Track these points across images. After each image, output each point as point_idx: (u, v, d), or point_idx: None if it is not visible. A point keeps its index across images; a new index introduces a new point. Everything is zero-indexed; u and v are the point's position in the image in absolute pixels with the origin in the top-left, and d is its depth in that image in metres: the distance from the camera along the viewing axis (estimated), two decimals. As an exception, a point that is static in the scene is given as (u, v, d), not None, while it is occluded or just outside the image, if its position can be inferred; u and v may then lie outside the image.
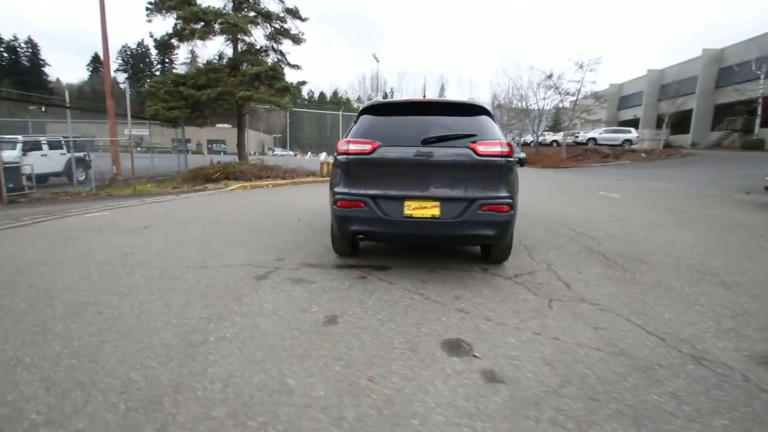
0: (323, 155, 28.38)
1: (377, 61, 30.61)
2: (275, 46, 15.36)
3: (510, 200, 3.27)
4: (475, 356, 2.18)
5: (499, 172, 3.29)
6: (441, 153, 3.26)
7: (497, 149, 3.23)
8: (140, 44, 72.32)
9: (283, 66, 15.08)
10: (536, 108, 31.45)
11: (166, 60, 63.84)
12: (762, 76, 25.70)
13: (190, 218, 6.46)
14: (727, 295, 3.21)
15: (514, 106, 34.00)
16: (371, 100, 3.93)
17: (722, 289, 3.35)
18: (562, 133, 33.15)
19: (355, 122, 3.65)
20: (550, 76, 27.71)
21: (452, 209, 3.25)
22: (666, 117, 29.95)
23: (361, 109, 3.73)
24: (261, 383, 1.91)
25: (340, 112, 22.65)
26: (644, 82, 37.45)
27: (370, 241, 3.46)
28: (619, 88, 41.64)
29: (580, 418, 1.70)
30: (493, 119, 3.53)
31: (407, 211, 3.28)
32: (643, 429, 1.63)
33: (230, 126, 43.03)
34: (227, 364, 2.07)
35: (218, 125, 31.31)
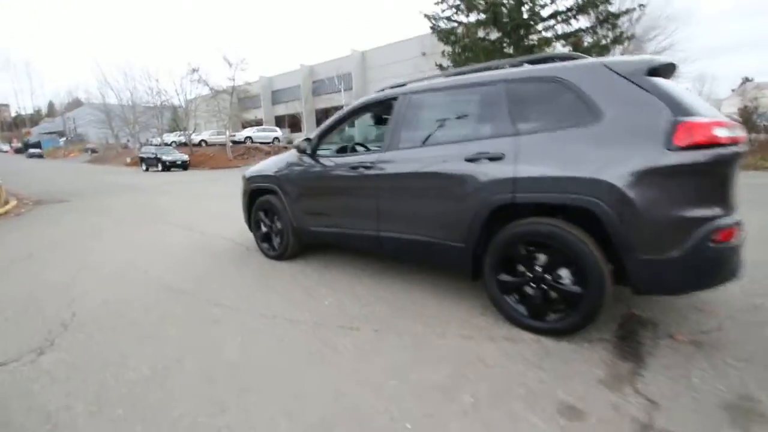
0: None
1: None
2: None
3: None
4: None
5: None
6: None
7: None
8: None
9: None
10: (179, 104, 28.39)
11: None
12: (342, 89, 35.40)
13: None
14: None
15: (145, 102, 29.07)
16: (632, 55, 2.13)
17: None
18: (209, 132, 32.05)
19: (640, 87, 2.10)
20: (195, 70, 25.72)
21: None
22: (285, 118, 36.23)
23: (648, 65, 2.17)
24: None
25: None
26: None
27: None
28: (270, 81, 43.43)
29: None
30: None
31: None
32: None
33: None
34: None
35: None
